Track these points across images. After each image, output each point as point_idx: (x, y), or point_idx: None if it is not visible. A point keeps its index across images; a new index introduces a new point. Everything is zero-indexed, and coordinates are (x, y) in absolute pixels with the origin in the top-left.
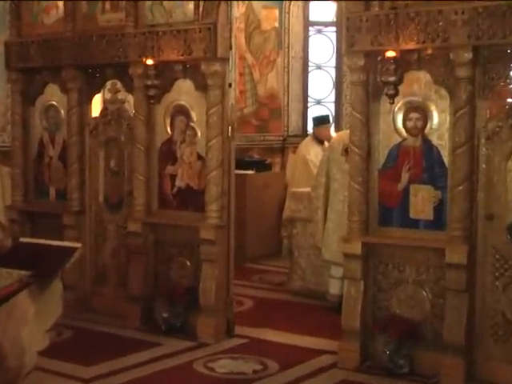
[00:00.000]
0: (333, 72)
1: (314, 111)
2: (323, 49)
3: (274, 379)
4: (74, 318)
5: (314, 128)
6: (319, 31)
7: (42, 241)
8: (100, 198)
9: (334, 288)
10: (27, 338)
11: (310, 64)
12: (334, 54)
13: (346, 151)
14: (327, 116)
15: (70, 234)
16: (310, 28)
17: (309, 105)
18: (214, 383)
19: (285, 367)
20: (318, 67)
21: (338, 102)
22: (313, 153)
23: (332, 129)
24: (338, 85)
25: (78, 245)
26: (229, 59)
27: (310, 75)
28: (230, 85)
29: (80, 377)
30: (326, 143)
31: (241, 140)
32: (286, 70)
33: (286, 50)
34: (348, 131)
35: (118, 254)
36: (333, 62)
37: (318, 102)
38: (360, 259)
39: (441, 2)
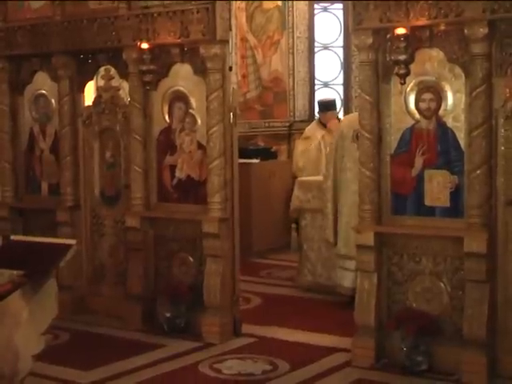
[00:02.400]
0: (340, 52)
1: (321, 94)
2: (330, 28)
3: (284, 380)
4: (70, 319)
5: (319, 113)
6: (325, 9)
7: (35, 238)
8: (95, 192)
9: (347, 281)
10: (21, 341)
11: (316, 44)
12: (342, 33)
13: (357, 137)
14: (334, 101)
15: (64, 230)
16: (316, 5)
17: (316, 88)
18: None
19: (296, 367)
20: (325, 47)
21: (347, 84)
22: (319, 139)
23: (341, 113)
24: (347, 66)
25: (73, 241)
26: (229, 41)
27: (316, 56)
28: (230, 68)
29: (78, 382)
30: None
31: (244, 127)
32: (290, 51)
33: (291, 29)
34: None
35: (116, 251)
36: (340, 42)
37: (326, 85)
38: (373, 250)
39: None
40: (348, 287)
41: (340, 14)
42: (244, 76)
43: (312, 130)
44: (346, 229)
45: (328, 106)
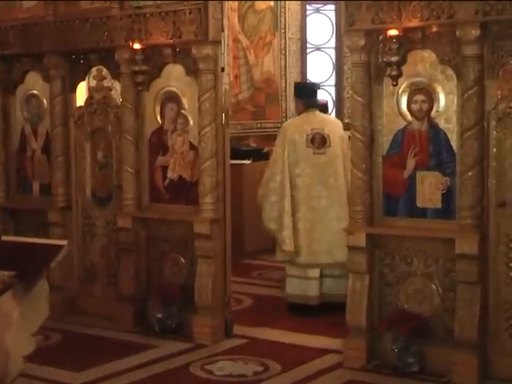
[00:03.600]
0: (333, 53)
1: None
2: (322, 29)
3: (276, 381)
4: (61, 320)
5: None
6: (317, 10)
7: (26, 239)
8: (87, 193)
9: (313, 290)
10: (12, 342)
11: (308, 45)
12: (334, 34)
13: (311, 141)
14: (326, 104)
15: (55, 231)
16: (308, 6)
17: None
18: None
19: (287, 368)
20: (317, 49)
21: (339, 85)
22: None
23: (332, 114)
24: (339, 67)
25: (64, 242)
26: (221, 42)
27: (308, 57)
28: (222, 69)
29: (70, 383)
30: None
31: (236, 128)
32: (282, 52)
33: (283, 30)
34: (303, 116)
35: (108, 251)
36: (332, 43)
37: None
38: (364, 252)
39: None
40: (315, 296)
41: (332, 15)
42: (236, 77)
43: None
44: (307, 236)
45: (321, 108)
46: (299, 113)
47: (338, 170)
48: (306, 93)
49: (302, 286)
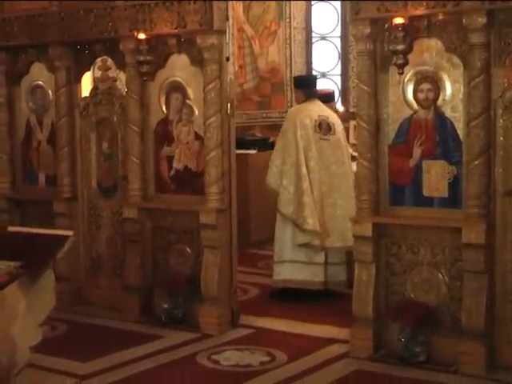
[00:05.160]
0: (338, 42)
1: (318, 85)
2: (327, 18)
3: (282, 371)
4: (68, 311)
5: None
6: None
7: (32, 229)
8: (93, 184)
9: (318, 276)
10: (18, 333)
11: (313, 35)
12: (339, 24)
13: (319, 127)
14: (332, 93)
15: (61, 222)
16: None
17: None
18: (218, 376)
19: (294, 358)
20: (322, 38)
21: (345, 75)
22: None
23: (338, 103)
24: (344, 56)
25: (70, 233)
26: (226, 31)
27: (313, 47)
28: (227, 58)
29: (76, 373)
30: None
31: (241, 118)
32: (287, 41)
33: (288, 20)
34: (307, 103)
35: (114, 242)
36: (338, 32)
37: (323, 75)
38: (371, 241)
39: None
40: (320, 281)
41: (337, 4)
42: (241, 67)
43: None
44: (320, 219)
45: (327, 97)
46: (300, 103)
47: (340, 157)
48: (305, 83)
49: (306, 271)
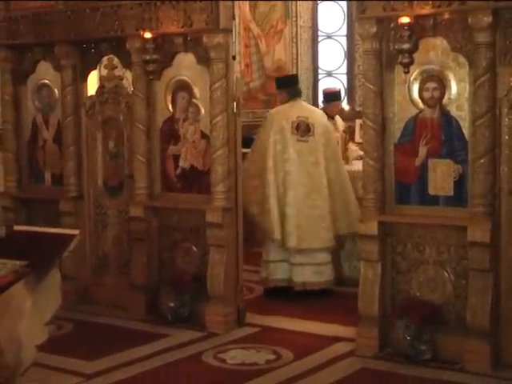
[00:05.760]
0: (344, 41)
1: (324, 84)
2: (333, 17)
3: (288, 369)
4: (74, 310)
5: (323, 103)
6: None
7: (38, 228)
8: (99, 182)
9: (300, 276)
10: (24, 332)
11: (319, 33)
12: (345, 22)
13: (297, 128)
14: (339, 92)
15: (67, 221)
16: None
17: (319, 77)
18: (225, 375)
19: (299, 356)
20: (329, 36)
21: (351, 74)
22: None
23: (344, 102)
24: (350, 55)
25: (76, 232)
26: (232, 30)
27: (319, 45)
28: (233, 57)
29: (82, 372)
30: (337, 118)
31: (247, 116)
32: (294, 40)
33: (294, 18)
34: (289, 104)
35: (120, 241)
36: (344, 31)
37: (329, 74)
38: (376, 240)
39: None
40: (300, 282)
41: (343, 2)
42: (247, 65)
43: None
44: (296, 222)
45: (333, 96)
46: (283, 103)
47: (318, 158)
48: (287, 84)
49: (285, 271)
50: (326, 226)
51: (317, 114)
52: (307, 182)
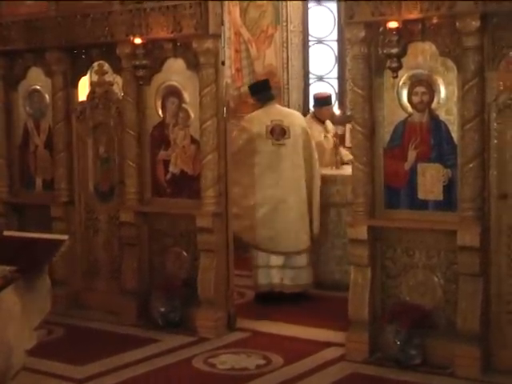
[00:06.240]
0: (335, 46)
1: (315, 88)
2: (324, 21)
3: (278, 374)
4: (64, 314)
5: (314, 107)
6: (319, 2)
7: (27, 234)
8: (90, 188)
9: (274, 279)
10: (14, 336)
11: (310, 38)
12: (336, 27)
13: (271, 133)
14: (329, 96)
15: (58, 226)
16: None
17: (310, 82)
18: (215, 380)
19: (290, 361)
20: (319, 41)
21: (342, 78)
22: (316, 132)
23: (335, 107)
24: (341, 59)
25: (65, 237)
26: (221, 36)
27: (310, 50)
28: (223, 63)
29: (72, 377)
30: (328, 122)
31: (238, 121)
32: (284, 45)
33: (285, 23)
34: (263, 109)
35: (111, 246)
36: (335, 36)
37: (320, 79)
38: (366, 244)
39: None
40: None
41: (334, 7)
42: (238, 70)
43: (308, 124)
44: (268, 224)
45: (324, 101)
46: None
47: (295, 160)
48: (256, 89)
49: (264, 275)
50: (301, 229)
51: (292, 117)
52: (284, 184)
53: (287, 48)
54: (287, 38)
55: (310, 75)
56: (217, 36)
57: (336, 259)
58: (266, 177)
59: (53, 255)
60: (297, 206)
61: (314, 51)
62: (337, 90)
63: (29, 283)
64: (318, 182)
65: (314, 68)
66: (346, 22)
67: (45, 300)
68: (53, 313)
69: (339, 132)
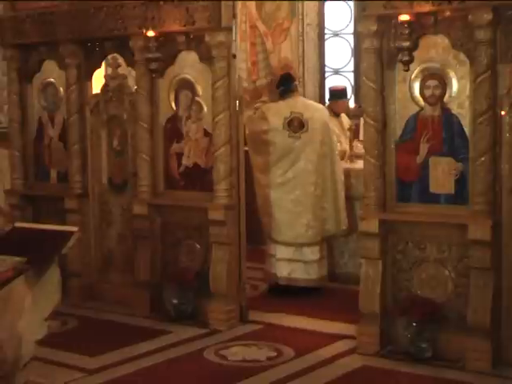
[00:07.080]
0: (351, 39)
1: (331, 82)
2: (340, 14)
3: (289, 366)
4: (79, 306)
5: (330, 100)
6: None
7: (38, 225)
8: (103, 180)
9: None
10: (24, 327)
11: (326, 31)
12: (352, 20)
13: (289, 124)
14: (345, 90)
15: (72, 218)
16: None
17: (326, 75)
18: (225, 371)
19: (301, 354)
20: (335, 34)
21: (358, 71)
22: (331, 125)
23: (352, 100)
24: (357, 53)
25: (75, 229)
26: (233, 28)
27: (326, 43)
28: (234, 56)
29: (85, 367)
30: (344, 116)
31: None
32: (300, 38)
33: (300, 16)
34: (283, 101)
35: (124, 238)
36: (351, 29)
37: (336, 72)
38: (377, 238)
39: None
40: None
41: (350, 0)
42: (253, 63)
43: None
44: (277, 216)
45: (339, 94)
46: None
47: (309, 155)
48: (280, 81)
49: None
50: (307, 223)
51: (313, 110)
52: (294, 176)
53: (303, 41)
54: (303, 32)
55: (326, 68)
56: (229, 29)
57: (349, 252)
58: (277, 167)
59: (63, 246)
60: (303, 199)
61: (329, 44)
62: (353, 84)
63: (39, 274)
64: (339, 177)
65: (330, 61)
66: (358, 14)
67: (55, 291)
68: (67, 304)
69: (353, 126)
